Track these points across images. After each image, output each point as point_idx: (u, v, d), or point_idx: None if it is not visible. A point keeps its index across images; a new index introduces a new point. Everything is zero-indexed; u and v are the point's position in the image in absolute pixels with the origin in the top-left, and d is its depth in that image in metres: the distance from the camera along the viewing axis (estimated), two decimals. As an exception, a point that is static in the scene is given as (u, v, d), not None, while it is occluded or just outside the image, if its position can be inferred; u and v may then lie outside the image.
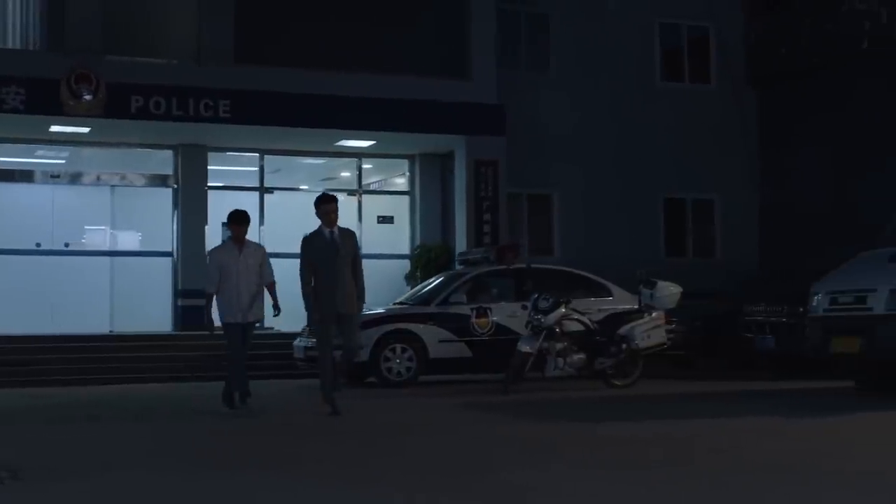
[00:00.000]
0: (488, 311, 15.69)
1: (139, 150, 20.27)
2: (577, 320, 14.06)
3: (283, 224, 19.76)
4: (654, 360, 16.82)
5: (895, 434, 9.26)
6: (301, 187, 21.50)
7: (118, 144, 19.99)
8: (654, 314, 14.35)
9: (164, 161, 20.35)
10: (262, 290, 11.67)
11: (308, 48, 19.62)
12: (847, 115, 21.46)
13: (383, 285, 18.93)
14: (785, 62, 23.02)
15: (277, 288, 11.85)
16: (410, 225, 21.73)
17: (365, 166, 22.04)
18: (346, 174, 22.21)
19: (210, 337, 19.55)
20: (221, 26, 19.14)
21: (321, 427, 10.29)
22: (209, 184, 20.22)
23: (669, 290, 14.39)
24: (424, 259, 20.68)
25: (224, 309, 11.51)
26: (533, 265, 16.20)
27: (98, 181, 20.23)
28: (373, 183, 22.63)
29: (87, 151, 20.19)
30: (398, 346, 15.29)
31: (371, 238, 20.94)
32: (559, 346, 13.80)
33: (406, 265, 21.38)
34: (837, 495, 6.11)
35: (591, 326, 14.18)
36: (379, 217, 21.62)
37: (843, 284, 12.31)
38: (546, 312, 13.69)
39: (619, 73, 22.78)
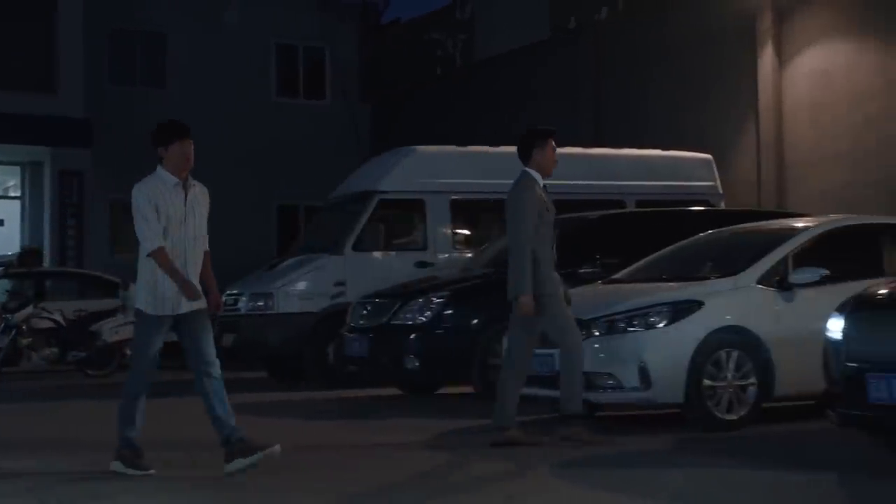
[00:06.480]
0: None
1: None
2: (47, 318, 15.77)
3: None
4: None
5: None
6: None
7: None
8: (127, 312, 16.14)
9: None
10: None
11: None
12: (443, 128, 23.66)
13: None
14: (390, 81, 25.24)
15: None
16: (21, 229, 23.18)
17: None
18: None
19: None
20: None
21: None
22: None
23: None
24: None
25: (149, 291, 7.06)
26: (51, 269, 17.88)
27: None
28: (10, 187, 24.05)
29: None
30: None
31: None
32: (26, 341, 15.47)
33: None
34: None
35: (62, 324, 15.89)
36: (-9, 220, 23.05)
37: (239, 287, 14.30)
38: (13, 311, 15.35)
39: (235, 88, 24.59)
